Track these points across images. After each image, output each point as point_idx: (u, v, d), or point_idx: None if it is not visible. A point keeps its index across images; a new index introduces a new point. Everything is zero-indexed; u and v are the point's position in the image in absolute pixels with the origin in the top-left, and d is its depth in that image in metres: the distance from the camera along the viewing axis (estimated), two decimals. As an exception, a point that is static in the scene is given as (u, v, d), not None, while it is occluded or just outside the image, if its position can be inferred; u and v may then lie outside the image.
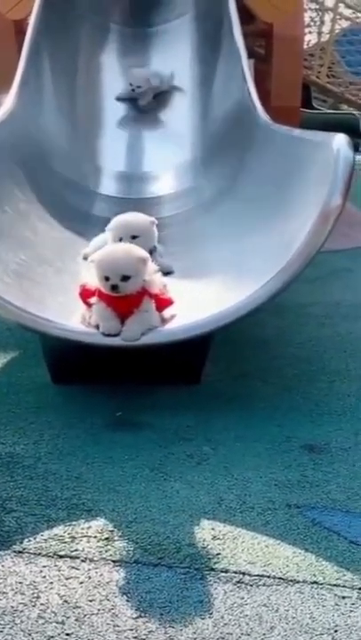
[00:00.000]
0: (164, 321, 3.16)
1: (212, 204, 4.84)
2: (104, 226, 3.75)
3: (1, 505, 2.48)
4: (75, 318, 3.19)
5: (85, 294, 3.22)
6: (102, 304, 3.11)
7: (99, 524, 2.39)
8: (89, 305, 3.17)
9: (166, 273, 3.53)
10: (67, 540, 2.31)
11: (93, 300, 3.15)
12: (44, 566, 2.18)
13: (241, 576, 2.15)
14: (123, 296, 3.10)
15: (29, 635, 1.91)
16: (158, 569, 2.17)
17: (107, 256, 3.14)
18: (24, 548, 2.26)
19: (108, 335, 3.08)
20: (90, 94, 6.16)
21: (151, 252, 3.44)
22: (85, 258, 3.71)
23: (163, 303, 3.21)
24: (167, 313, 3.22)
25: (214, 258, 3.95)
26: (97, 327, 3.11)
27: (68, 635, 1.91)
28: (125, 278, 3.09)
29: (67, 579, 2.13)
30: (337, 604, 2.04)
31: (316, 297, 4.99)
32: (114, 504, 2.50)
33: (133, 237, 3.46)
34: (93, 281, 3.18)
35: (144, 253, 3.19)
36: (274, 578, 2.15)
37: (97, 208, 5.00)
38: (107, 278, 3.09)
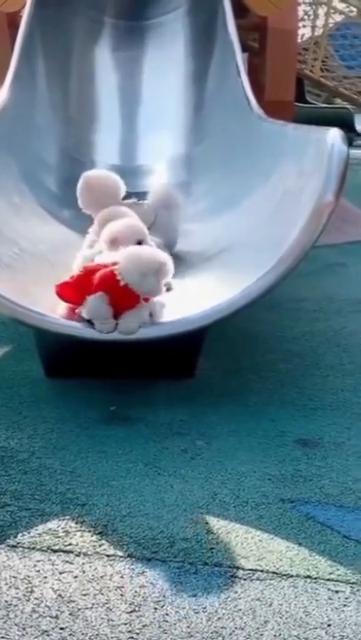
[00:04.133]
0: (152, 315, 3.13)
1: (205, 199, 4.84)
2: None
3: (-5, 499, 2.49)
4: (59, 310, 3.16)
5: (64, 293, 3.20)
6: (103, 303, 3.08)
7: (93, 518, 2.39)
8: (75, 303, 3.15)
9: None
10: (61, 534, 2.31)
11: (97, 295, 3.09)
12: (38, 560, 2.19)
13: (235, 570, 2.15)
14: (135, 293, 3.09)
15: (23, 629, 1.91)
16: (152, 563, 2.17)
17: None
18: (18, 543, 2.26)
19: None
20: (83, 88, 6.16)
21: None
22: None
23: None
24: (156, 304, 3.21)
25: (208, 252, 3.95)
26: (88, 321, 3.09)
27: (62, 629, 1.91)
28: None
29: (61, 573, 2.13)
30: (330, 599, 2.05)
31: (309, 291, 5.00)
32: (108, 498, 2.50)
33: (139, 243, 3.37)
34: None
35: None
36: (267, 572, 2.15)
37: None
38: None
